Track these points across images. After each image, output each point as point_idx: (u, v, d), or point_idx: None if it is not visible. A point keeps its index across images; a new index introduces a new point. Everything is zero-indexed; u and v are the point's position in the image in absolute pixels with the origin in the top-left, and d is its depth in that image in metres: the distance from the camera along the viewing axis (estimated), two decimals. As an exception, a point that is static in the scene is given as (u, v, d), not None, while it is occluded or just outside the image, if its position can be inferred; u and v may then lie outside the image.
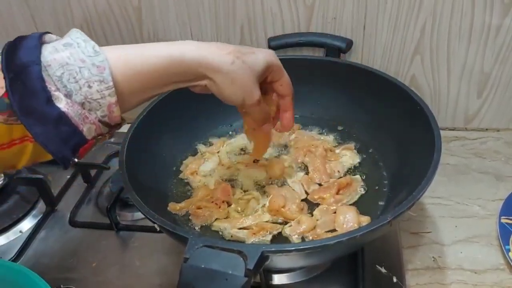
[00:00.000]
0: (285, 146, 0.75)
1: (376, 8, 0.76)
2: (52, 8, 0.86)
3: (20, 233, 0.74)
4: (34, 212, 0.77)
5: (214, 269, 0.43)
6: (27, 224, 0.75)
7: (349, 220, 0.59)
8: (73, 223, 0.74)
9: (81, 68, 0.38)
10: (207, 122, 0.79)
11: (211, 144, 0.77)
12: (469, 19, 0.74)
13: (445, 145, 0.83)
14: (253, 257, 0.43)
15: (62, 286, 0.63)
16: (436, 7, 0.74)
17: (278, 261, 0.50)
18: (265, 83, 0.53)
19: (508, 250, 0.63)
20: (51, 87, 0.38)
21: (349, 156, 0.71)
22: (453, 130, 0.88)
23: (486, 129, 0.88)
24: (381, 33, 0.79)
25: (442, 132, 0.58)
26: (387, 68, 0.82)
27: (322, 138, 0.75)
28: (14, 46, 0.38)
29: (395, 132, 0.69)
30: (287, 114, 0.58)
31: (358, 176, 0.67)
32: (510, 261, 0.62)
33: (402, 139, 0.67)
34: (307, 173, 0.69)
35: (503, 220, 0.67)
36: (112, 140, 0.91)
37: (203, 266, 0.43)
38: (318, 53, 0.83)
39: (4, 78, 0.37)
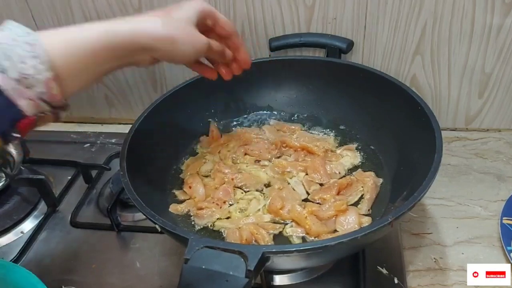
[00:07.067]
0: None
1: (376, 8, 0.76)
2: (52, 8, 0.86)
3: (21, 234, 0.74)
4: (35, 213, 0.77)
5: (215, 270, 0.43)
6: (28, 225, 0.75)
7: (350, 221, 0.59)
8: (74, 224, 0.74)
9: (14, 46, 0.40)
10: (208, 123, 0.79)
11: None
12: (470, 19, 0.74)
13: (446, 145, 0.84)
14: (254, 258, 0.43)
15: (63, 287, 0.64)
16: (437, 7, 0.74)
17: (279, 262, 0.50)
18: (207, 32, 0.55)
19: (510, 251, 0.62)
20: None
21: (350, 157, 0.71)
22: (454, 130, 0.88)
23: (487, 130, 0.87)
24: (381, 33, 0.79)
25: (443, 133, 0.58)
26: (387, 68, 0.82)
27: (323, 138, 0.75)
28: None
29: (396, 132, 0.69)
30: (240, 51, 0.59)
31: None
32: (512, 262, 0.62)
33: (403, 139, 0.67)
34: (307, 174, 0.69)
35: (505, 221, 0.66)
36: (113, 140, 0.91)
37: (203, 267, 0.43)
38: (319, 54, 0.83)
39: None
